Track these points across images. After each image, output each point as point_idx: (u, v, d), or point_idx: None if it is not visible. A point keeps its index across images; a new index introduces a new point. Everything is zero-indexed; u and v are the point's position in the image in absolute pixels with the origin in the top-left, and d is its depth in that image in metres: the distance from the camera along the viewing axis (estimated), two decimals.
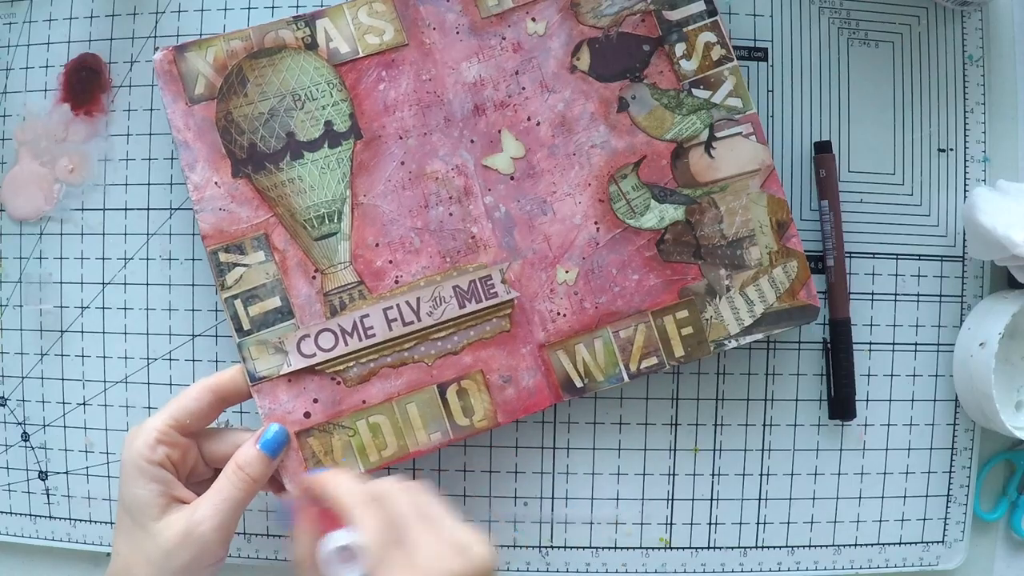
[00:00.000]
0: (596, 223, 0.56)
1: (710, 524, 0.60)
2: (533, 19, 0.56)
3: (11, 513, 0.62)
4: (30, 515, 0.62)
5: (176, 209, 0.61)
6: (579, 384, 0.56)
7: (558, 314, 0.56)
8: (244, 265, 0.55)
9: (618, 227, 0.56)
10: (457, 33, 0.56)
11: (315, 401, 0.55)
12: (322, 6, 0.59)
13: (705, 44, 0.56)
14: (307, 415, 0.55)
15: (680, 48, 0.56)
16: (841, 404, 0.59)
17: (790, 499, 0.60)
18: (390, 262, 0.55)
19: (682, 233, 0.56)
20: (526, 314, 0.56)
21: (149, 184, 0.61)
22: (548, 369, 0.56)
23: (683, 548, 0.60)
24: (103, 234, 0.61)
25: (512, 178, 0.56)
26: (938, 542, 0.60)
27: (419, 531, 0.46)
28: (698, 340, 0.56)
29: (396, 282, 0.55)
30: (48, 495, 0.62)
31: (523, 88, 0.56)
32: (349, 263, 0.55)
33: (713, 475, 0.60)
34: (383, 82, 0.56)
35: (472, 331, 0.55)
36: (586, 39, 0.56)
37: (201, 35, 0.60)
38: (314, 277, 0.55)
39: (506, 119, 0.56)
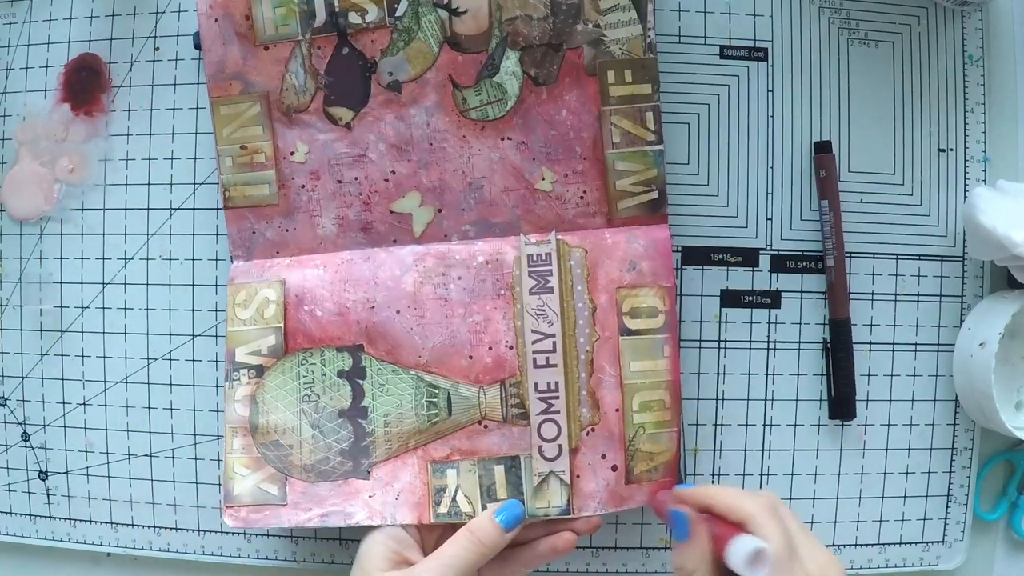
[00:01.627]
0: None
1: None
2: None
3: (11, 513, 0.62)
4: (30, 515, 0.62)
5: (176, 209, 0.61)
6: None
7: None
8: None
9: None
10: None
11: None
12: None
13: None
14: None
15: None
16: (841, 404, 0.59)
17: (790, 499, 0.60)
18: None
19: None
20: None
21: (149, 184, 0.61)
22: None
23: None
24: (103, 234, 0.61)
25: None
26: (938, 542, 0.60)
27: (805, 541, 0.48)
28: None
29: None
30: (48, 495, 0.62)
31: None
32: None
33: (713, 475, 0.60)
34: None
35: None
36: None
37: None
38: None
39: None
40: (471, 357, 0.56)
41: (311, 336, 0.56)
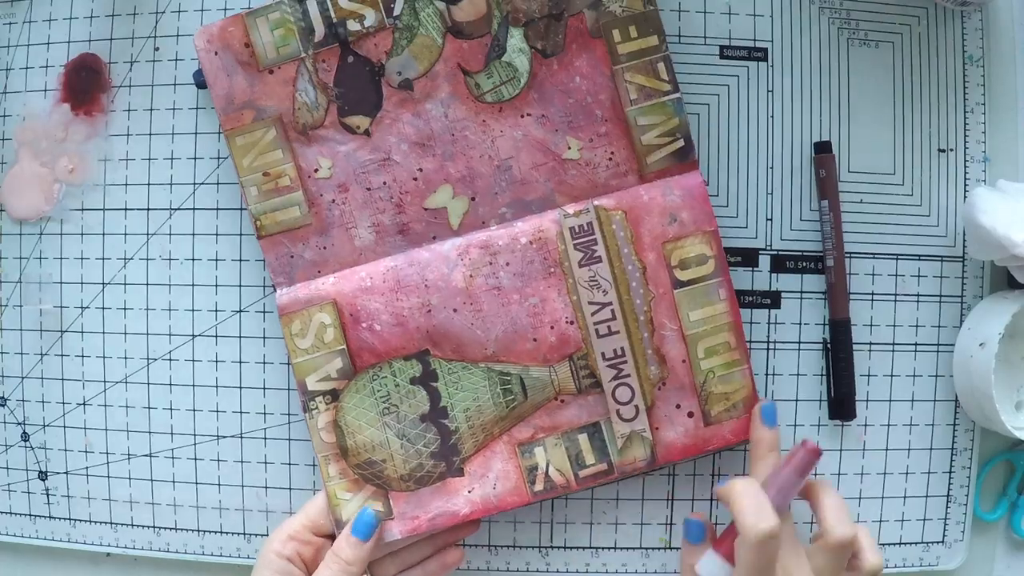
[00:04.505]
0: None
1: None
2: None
3: (11, 513, 0.62)
4: (30, 515, 0.62)
5: (176, 209, 0.61)
6: None
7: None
8: None
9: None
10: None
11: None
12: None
13: None
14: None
15: None
16: (841, 404, 0.59)
17: None
18: None
19: None
20: None
21: (149, 184, 0.61)
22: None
23: None
24: (103, 234, 0.61)
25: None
26: (938, 542, 0.60)
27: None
28: None
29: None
30: (48, 495, 0.62)
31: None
32: None
33: (713, 475, 0.60)
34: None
35: None
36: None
37: None
38: None
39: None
40: (535, 339, 0.56)
41: (376, 351, 0.56)
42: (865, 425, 0.60)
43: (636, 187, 0.57)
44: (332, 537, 0.56)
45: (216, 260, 0.61)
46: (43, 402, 0.62)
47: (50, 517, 0.62)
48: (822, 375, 0.60)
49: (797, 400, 0.60)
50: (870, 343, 0.60)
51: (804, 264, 0.60)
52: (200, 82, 0.59)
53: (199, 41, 0.56)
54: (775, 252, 0.60)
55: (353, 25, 0.56)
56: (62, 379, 0.61)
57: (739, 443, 0.57)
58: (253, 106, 0.57)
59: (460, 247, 0.57)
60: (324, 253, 0.57)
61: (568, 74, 0.57)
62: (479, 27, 0.56)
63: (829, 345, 0.60)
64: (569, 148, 0.57)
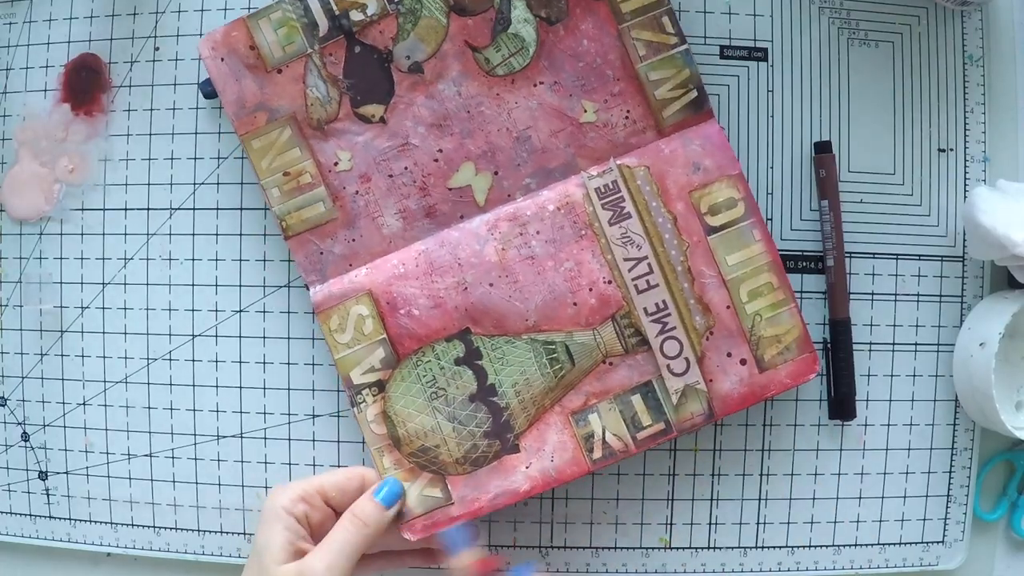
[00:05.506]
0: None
1: (710, 524, 0.60)
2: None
3: (11, 513, 0.62)
4: (30, 515, 0.62)
5: (176, 209, 0.61)
6: None
7: None
8: None
9: None
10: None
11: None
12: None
13: None
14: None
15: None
16: (841, 404, 0.59)
17: (790, 499, 0.60)
18: None
19: None
20: None
21: (149, 184, 0.61)
22: None
23: (683, 548, 0.60)
24: (103, 234, 0.61)
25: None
26: (938, 542, 0.60)
27: None
28: None
29: None
30: (48, 495, 0.62)
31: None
32: None
33: (713, 475, 0.60)
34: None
35: None
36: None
37: (201, 35, 0.60)
38: None
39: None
40: (575, 304, 0.56)
41: (417, 336, 0.56)
42: (865, 425, 0.60)
43: (656, 142, 0.57)
44: (337, 514, 0.55)
45: (216, 260, 0.61)
46: (43, 402, 0.62)
47: (50, 517, 0.62)
48: (822, 375, 0.60)
49: (797, 400, 0.60)
50: (870, 343, 0.60)
51: (804, 264, 0.60)
52: (208, 92, 0.58)
53: (204, 49, 0.56)
54: None
55: (356, 15, 0.56)
56: (62, 379, 0.61)
57: (797, 386, 0.56)
58: (266, 107, 0.57)
59: (489, 222, 0.57)
60: (353, 245, 0.57)
61: (575, 38, 0.57)
62: (482, 2, 0.57)
63: (829, 345, 0.60)
64: (585, 111, 0.57)
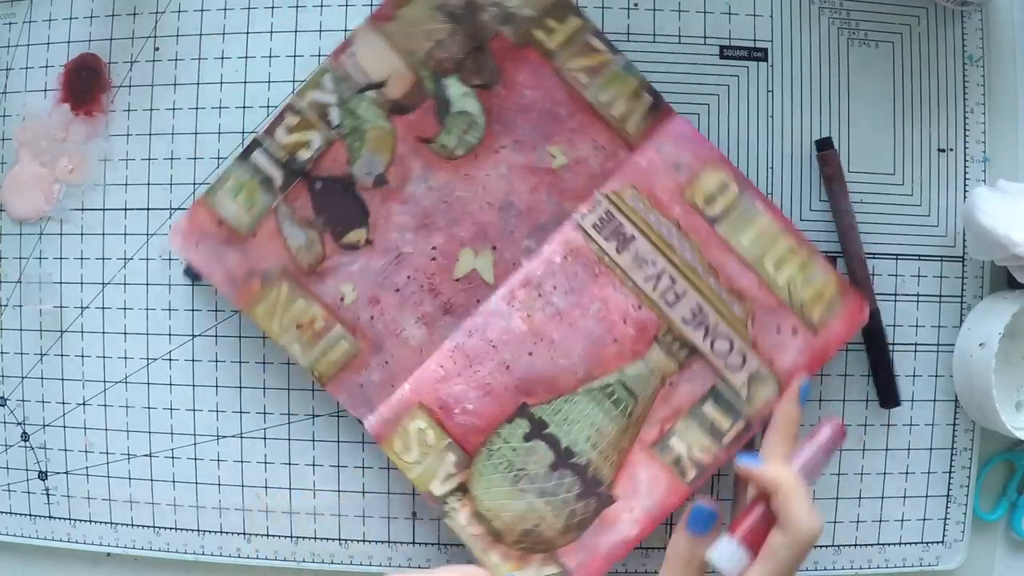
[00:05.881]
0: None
1: None
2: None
3: (11, 513, 0.62)
4: (30, 515, 0.62)
5: (176, 209, 0.61)
6: None
7: None
8: None
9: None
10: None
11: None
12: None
13: None
14: None
15: None
16: (889, 392, 0.59)
17: None
18: None
19: None
20: None
21: (149, 184, 0.61)
22: None
23: None
24: (103, 234, 0.61)
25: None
26: (938, 542, 0.60)
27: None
28: None
29: None
30: (48, 495, 0.62)
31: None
32: None
33: (713, 475, 0.60)
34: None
35: None
36: None
37: (201, 35, 0.60)
38: None
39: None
40: (616, 340, 0.56)
41: (479, 428, 0.56)
42: (865, 425, 0.60)
43: (631, 158, 0.57)
44: None
45: None
46: (43, 402, 0.62)
47: (50, 517, 0.62)
48: (822, 375, 0.60)
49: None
50: None
51: None
52: (193, 276, 0.59)
53: (175, 242, 0.57)
54: None
55: (304, 154, 0.57)
56: (62, 379, 0.61)
57: (856, 332, 0.56)
58: (255, 272, 0.57)
59: (506, 296, 0.57)
60: (388, 367, 0.57)
61: (517, 93, 0.57)
62: (416, 96, 0.57)
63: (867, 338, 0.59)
64: (554, 157, 0.57)
